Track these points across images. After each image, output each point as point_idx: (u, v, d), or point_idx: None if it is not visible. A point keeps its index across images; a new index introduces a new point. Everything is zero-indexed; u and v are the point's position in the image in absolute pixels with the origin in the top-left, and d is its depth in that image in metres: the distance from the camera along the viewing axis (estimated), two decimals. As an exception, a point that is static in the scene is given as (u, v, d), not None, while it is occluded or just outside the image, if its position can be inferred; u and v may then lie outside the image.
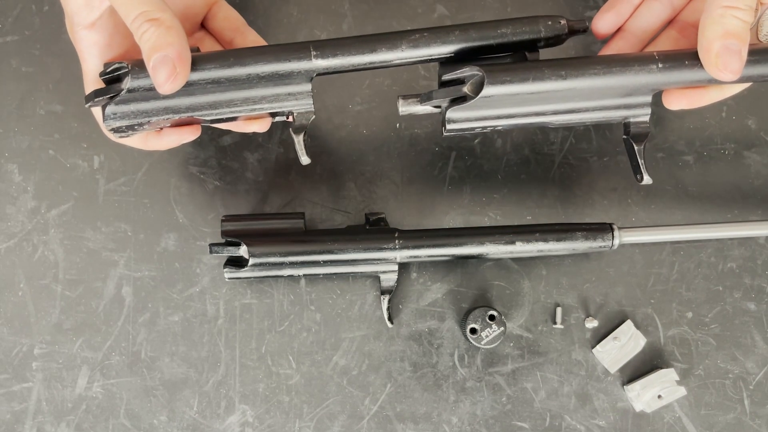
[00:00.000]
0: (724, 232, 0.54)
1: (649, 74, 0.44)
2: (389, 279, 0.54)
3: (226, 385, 0.56)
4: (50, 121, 0.58)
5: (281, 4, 0.60)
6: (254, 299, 0.56)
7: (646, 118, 0.46)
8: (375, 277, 0.57)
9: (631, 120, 0.46)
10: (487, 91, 0.44)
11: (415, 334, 0.57)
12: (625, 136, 0.48)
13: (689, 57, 0.44)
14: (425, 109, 0.46)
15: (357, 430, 0.56)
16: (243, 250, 0.53)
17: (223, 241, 0.54)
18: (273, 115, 0.47)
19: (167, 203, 0.57)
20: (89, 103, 0.45)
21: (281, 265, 0.53)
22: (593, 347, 0.56)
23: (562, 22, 0.46)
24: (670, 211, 0.58)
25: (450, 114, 0.45)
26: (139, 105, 0.45)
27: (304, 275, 0.53)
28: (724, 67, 0.42)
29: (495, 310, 0.54)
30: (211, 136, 0.58)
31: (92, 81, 0.46)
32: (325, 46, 0.45)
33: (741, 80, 0.45)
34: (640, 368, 0.56)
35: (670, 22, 0.50)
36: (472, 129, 0.46)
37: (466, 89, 0.45)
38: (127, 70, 0.44)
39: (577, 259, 0.57)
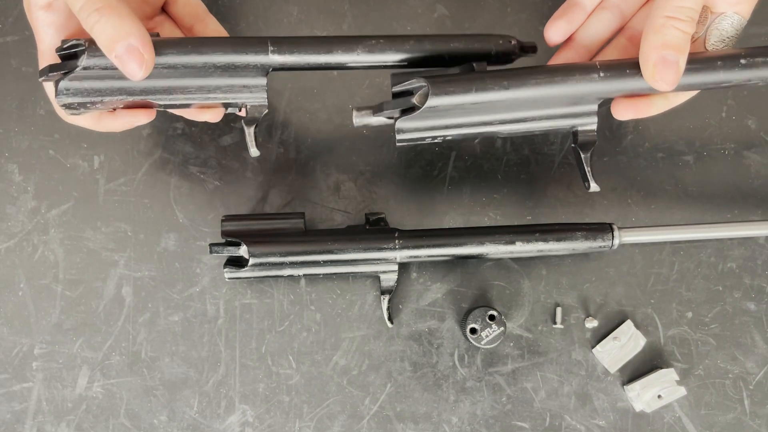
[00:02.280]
0: (724, 232, 0.54)
1: (591, 83, 0.45)
2: (389, 279, 0.54)
3: (226, 385, 0.56)
4: (50, 121, 0.58)
5: (281, 4, 0.60)
6: (254, 299, 0.57)
7: (593, 127, 0.47)
8: (375, 277, 0.57)
9: (579, 128, 0.47)
10: (432, 101, 0.45)
11: (415, 334, 0.57)
12: (573, 145, 0.49)
13: (630, 66, 0.45)
14: (379, 120, 0.47)
15: (357, 430, 0.56)
16: (243, 250, 0.53)
17: (223, 241, 0.54)
18: (226, 106, 0.48)
19: (167, 203, 0.57)
20: (43, 78, 0.45)
21: (281, 265, 0.53)
22: (593, 347, 0.56)
23: (513, 42, 0.48)
24: (670, 211, 0.58)
25: (399, 124, 0.46)
26: (93, 83, 0.45)
27: (304, 275, 0.53)
28: (660, 78, 0.42)
29: (495, 310, 0.54)
30: (211, 136, 0.58)
31: (47, 60, 0.46)
32: (283, 43, 0.46)
33: (683, 89, 0.45)
34: (640, 368, 0.56)
35: (620, 30, 0.50)
36: (423, 139, 0.46)
37: (414, 100, 0.46)
38: (83, 47, 0.45)
39: (577, 259, 0.57)
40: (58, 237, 0.57)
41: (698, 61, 0.44)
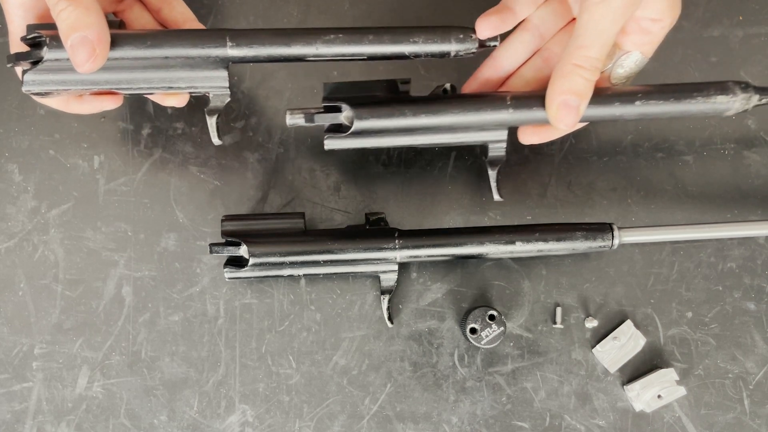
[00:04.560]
0: (724, 232, 0.54)
1: (501, 114, 0.50)
2: (389, 279, 0.54)
3: (226, 384, 0.56)
4: (50, 121, 0.58)
5: (281, 4, 0.60)
6: (254, 299, 0.57)
7: (503, 147, 0.52)
8: (375, 277, 0.57)
9: (490, 147, 0.52)
10: (357, 126, 0.50)
11: (415, 334, 0.57)
12: (484, 158, 0.54)
13: (537, 102, 0.49)
14: (310, 125, 0.51)
15: (357, 430, 0.56)
16: (243, 250, 0.53)
17: (223, 241, 0.54)
18: (191, 94, 0.49)
19: (167, 203, 0.57)
20: (10, 64, 0.47)
21: (281, 265, 0.53)
22: (593, 347, 0.56)
23: (474, 36, 0.49)
24: (670, 211, 0.58)
25: (327, 142, 0.50)
26: (56, 76, 0.46)
27: (304, 275, 0.53)
28: (561, 120, 0.46)
29: (495, 310, 0.54)
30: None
31: (16, 42, 0.48)
32: (241, 36, 0.47)
33: (583, 120, 0.49)
34: (639, 368, 0.57)
35: (537, 51, 0.52)
36: (348, 148, 0.51)
37: (342, 117, 0.50)
38: (46, 41, 0.46)
39: (577, 259, 0.57)
40: (58, 237, 0.57)
41: (599, 98, 0.48)
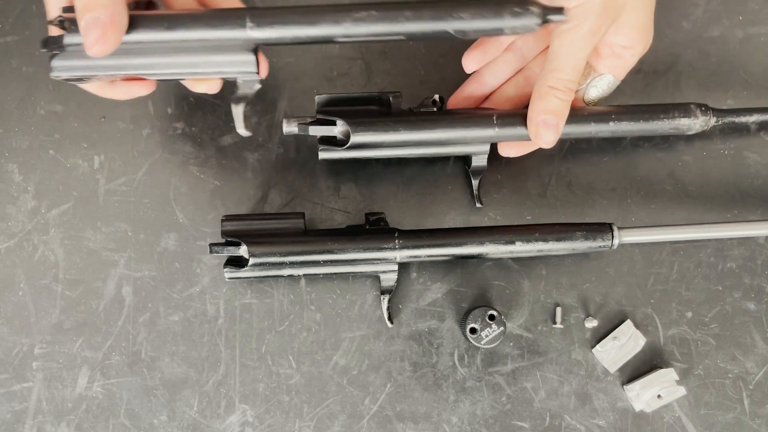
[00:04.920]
0: (724, 232, 0.54)
1: (488, 131, 0.53)
2: (389, 279, 0.54)
3: (226, 384, 0.56)
4: (50, 121, 0.58)
5: (281, 4, 0.59)
6: (254, 299, 0.57)
7: (484, 159, 0.55)
8: (375, 277, 0.57)
9: (473, 158, 0.55)
10: (354, 140, 0.51)
11: (415, 334, 0.57)
12: (467, 167, 0.57)
13: (520, 120, 0.52)
14: (305, 132, 0.52)
15: (357, 430, 0.56)
16: (243, 250, 0.53)
17: (223, 241, 0.54)
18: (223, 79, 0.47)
19: (167, 203, 0.57)
20: (43, 50, 0.45)
21: (281, 265, 0.53)
22: (593, 347, 0.56)
23: (534, 9, 0.44)
24: (670, 211, 0.58)
25: (322, 153, 0.53)
26: (80, 61, 0.44)
27: (304, 275, 0.53)
28: (541, 137, 0.50)
29: (495, 309, 0.54)
30: (211, 136, 0.58)
31: (53, 27, 0.46)
32: (262, 16, 0.44)
33: (561, 137, 0.51)
34: (639, 368, 0.57)
35: (520, 70, 0.56)
36: (342, 158, 0.53)
37: (336, 131, 0.52)
38: (68, 25, 0.44)
39: (577, 259, 0.57)
40: (58, 237, 0.57)
41: (577, 117, 0.52)
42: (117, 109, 0.58)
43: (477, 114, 0.54)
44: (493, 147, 0.56)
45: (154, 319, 0.56)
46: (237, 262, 0.53)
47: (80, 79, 0.46)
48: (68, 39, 0.44)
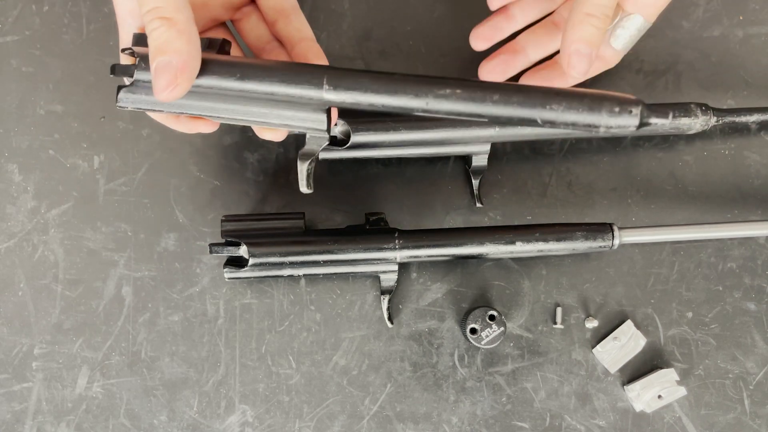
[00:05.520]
0: (724, 232, 0.54)
1: (488, 131, 0.54)
2: (389, 279, 0.54)
3: (226, 385, 0.56)
4: (50, 121, 0.58)
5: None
6: (254, 299, 0.57)
7: (485, 158, 0.56)
8: (375, 277, 0.57)
9: (473, 157, 0.56)
10: (354, 140, 0.53)
11: (415, 334, 0.57)
12: (467, 166, 0.57)
13: (519, 121, 0.50)
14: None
15: (357, 430, 0.56)
16: (243, 250, 0.53)
17: (223, 241, 0.54)
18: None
19: (167, 203, 0.57)
20: (112, 74, 0.44)
21: (281, 265, 0.53)
22: (593, 347, 0.56)
23: (633, 110, 0.39)
24: (670, 211, 0.58)
25: (321, 152, 0.54)
26: (147, 97, 0.43)
27: (304, 275, 0.53)
28: (572, 67, 0.46)
29: (495, 310, 0.54)
30: (211, 136, 0.58)
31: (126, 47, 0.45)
32: (341, 80, 0.41)
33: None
34: (640, 368, 0.56)
35: (549, 14, 0.54)
36: (342, 158, 0.54)
37: (337, 131, 0.53)
38: (137, 59, 0.43)
39: (577, 259, 0.57)
40: (58, 237, 0.57)
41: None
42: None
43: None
44: (494, 147, 0.56)
45: (154, 319, 0.56)
46: (237, 262, 0.53)
47: (143, 111, 0.44)
48: (138, 74, 0.43)
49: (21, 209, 0.57)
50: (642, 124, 0.39)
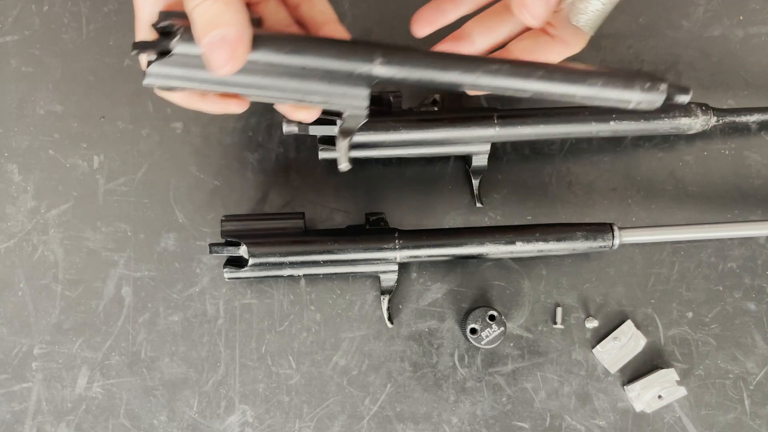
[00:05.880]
0: (724, 232, 0.54)
1: (488, 131, 0.54)
2: (389, 279, 0.54)
3: (226, 385, 0.56)
4: (50, 121, 0.58)
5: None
6: (254, 299, 0.56)
7: (485, 158, 0.56)
8: (375, 277, 0.57)
9: (474, 157, 0.56)
10: (355, 139, 0.53)
11: (415, 334, 0.57)
12: (467, 166, 0.57)
13: (520, 120, 0.53)
14: (305, 132, 0.52)
15: (357, 430, 0.56)
16: (243, 250, 0.53)
17: (223, 241, 0.54)
18: (324, 110, 0.44)
19: (167, 203, 0.57)
20: (135, 52, 0.41)
21: (281, 265, 0.53)
22: (593, 347, 0.56)
23: (661, 87, 0.42)
24: (670, 211, 0.58)
25: (321, 153, 0.54)
26: (183, 71, 0.41)
27: (304, 275, 0.53)
28: (526, 8, 0.40)
29: (495, 310, 0.54)
30: (211, 135, 0.58)
31: (143, 29, 0.43)
32: (394, 54, 0.41)
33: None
34: (640, 368, 0.56)
35: None
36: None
37: (336, 131, 0.51)
38: (178, 32, 0.41)
39: (577, 259, 0.57)
40: (57, 237, 0.57)
41: (575, 116, 0.52)
42: (116, 109, 0.58)
43: (476, 114, 0.54)
44: (494, 147, 0.56)
45: (154, 320, 0.56)
46: (237, 262, 0.53)
47: (171, 88, 0.43)
48: (179, 47, 0.41)
49: (21, 209, 0.57)
50: (667, 100, 0.42)
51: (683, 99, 0.43)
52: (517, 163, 0.58)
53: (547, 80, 0.42)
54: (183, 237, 0.57)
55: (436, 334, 0.56)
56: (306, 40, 0.42)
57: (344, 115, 0.44)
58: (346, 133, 0.44)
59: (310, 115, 0.45)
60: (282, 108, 0.46)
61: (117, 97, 0.58)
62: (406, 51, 0.42)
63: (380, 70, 0.41)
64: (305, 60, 0.41)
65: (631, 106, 0.43)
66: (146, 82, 0.42)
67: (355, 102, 0.43)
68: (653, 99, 0.42)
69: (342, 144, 0.45)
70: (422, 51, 0.42)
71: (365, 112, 0.43)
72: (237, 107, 0.45)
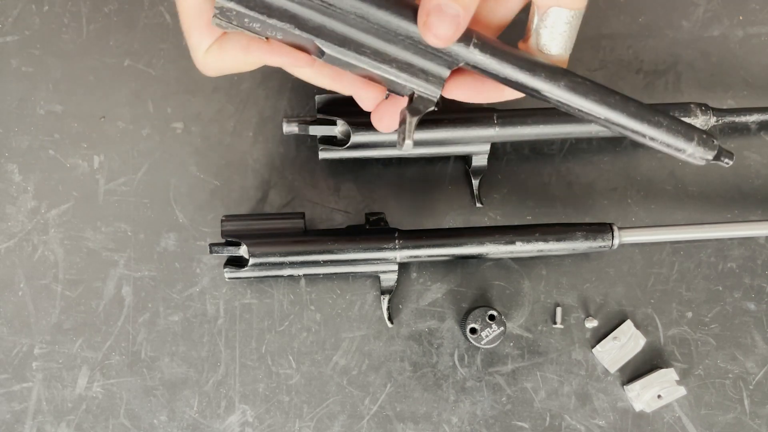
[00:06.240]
0: (724, 232, 0.54)
1: (488, 131, 0.54)
2: (389, 279, 0.54)
3: (226, 385, 0.56)
4: (50, 121, 0.58)
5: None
6: (254, 299, 0.57)
7: (485, 158, 0.56)
8: (375, 277, 0.57)
9: (473, 157, 0.56)
10: (354, 140, 0.53)
11: (415, 334, 0.57)
12: (467, 166, 0.57)
13: (520, 120, 0.53)
14: (305, 132, 0.53)
15: (357, 430, 0.56)
16: (243, 250, 0.53)
17: (223, 241, 0.54)
18: (390, 88, 0.42)
19: (167, 203, 0.57)
20: None
21: (281, 265, 0.53)
22: (593, 347, 0.56)
23: (715, 142, 0.44)
24: (670, 211, 0.58)
25: (321, 152, 0.54)
26: (254, 14, 0.38)
27: (304, 275, 0.53)
28: (430, 28, 0.37)
29: (495, 310, 0.54)
30: (211, 135, 0.58)
31: (188, 18, 0.40)
32: (487, 45, 0.40)
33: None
34: (640, 368, 0.57)
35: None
36: (342, 158, 0.54)
37: (336, 131, 0.53)
38: None
39: (577, 259, 0.57)
40: (57, 237, 0.57)
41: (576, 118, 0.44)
42: (117, 109, 0.58)
43: (477, 115, 0.54)
44: (494, 147, 0.56)
45: (154, 319, 0.56)
46: (237, 262, 0.53)
47: (240, 21, 0.38)
48: None
49: (21, 209, 0.57)
50: (713, 158, 0.44)
51: (727, 161, 0.44)
52: (517, 163, 0.58)
53: (619, 111, 0.42)
54: (183, 237, 0.57)
55: (436, 334, 0.57)
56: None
57: (414, 96, 0.41)
58: (415, 111, 0.41)
59: (375, 95, 0.42)
60: (345, 87, 0.43)
61: (117, 97, 0.58)
62: (498, 45, 0.40)
63: (472, 53, 0.40)
64: (402, 22, 0.39)
65: (683, 156, 0.43)
66: (217, 4, 0.37)
67: (430, 83, 0.40)
68: (704, 154, 0.43)
69: (413, 120, 0.41)
70: (507, 51, 0.40)
71: (437, 97, 0.41)
72: (305, 62, 0.40)
